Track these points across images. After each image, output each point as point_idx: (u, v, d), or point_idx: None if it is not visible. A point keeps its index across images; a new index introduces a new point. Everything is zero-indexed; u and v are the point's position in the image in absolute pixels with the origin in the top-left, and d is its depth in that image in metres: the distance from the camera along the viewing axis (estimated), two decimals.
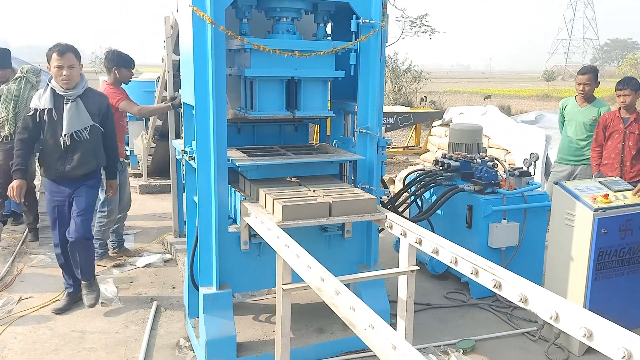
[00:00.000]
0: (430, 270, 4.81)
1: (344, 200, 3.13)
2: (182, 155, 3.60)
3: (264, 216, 3.03)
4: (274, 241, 2.84)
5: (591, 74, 5.20)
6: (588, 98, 5.26)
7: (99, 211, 5.01)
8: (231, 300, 3.36)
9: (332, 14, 3.75)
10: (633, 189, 3.78)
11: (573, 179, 5.28)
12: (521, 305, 2.22)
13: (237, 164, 3.34)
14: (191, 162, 3.43)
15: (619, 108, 4.81)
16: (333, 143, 4.18)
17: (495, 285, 2.37)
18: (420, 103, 19.51)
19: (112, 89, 4.95)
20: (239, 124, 3.96)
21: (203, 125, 3.21)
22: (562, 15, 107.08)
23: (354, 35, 3.53)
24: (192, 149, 3.38)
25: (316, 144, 4.12)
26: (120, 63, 5.01)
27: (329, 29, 4.05)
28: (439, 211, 4.59)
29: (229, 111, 3.65)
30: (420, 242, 2.91)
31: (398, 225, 2.99)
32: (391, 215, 3.10)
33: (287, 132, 4.19)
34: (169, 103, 5.23)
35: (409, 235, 2.91)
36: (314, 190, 3.30)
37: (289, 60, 3.46)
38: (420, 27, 26.81)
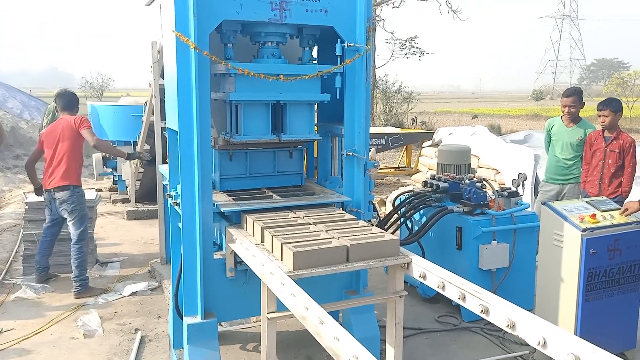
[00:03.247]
0: (422, 294, 4.75)
1: (362, 242, 2.79)
2: (168, 199, 3.58)
3: (270, 264, 2.68)
4: (258, 268, 2.79)
5: (575, 95, 5.27)
6: (574, 119, 5.32)
7: (79, 240, 4.97)
8: (217, 330, 3.28)
9: (318, 38, 3.76)
10: (620, 209, 3.78)
11: (561, 198, 5.29)
12: (509, 330, 2.19)
13: (222, 209, 3.29)
14: (176, 207, 3.39)
15: (603, 128, 4.89)
16: (324, 182, 4.13)
17: (482, 311, 2.33)
18: (411, 124, 19.63)
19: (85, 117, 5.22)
20: (231, 151, 3.76)
21: (187, 150, 3.18)
22: (549, 36, 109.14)
23: (339, 59, 3.54)
24: (177, 193, 3.34)
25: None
26: (73, 103, 5.24)
27: (315, 53, 4.07)
28: (429, 233, 4.55)
29: (219, 138, 3.62)
30: (407, 267, 2.87)
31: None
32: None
33: (281, 159, 3.96)
34: (127, 152, 5.55)
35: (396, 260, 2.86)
36: (327, 231, 2.97)
37: (274, 84, 3.46)
38: (409, 48, 27.23)
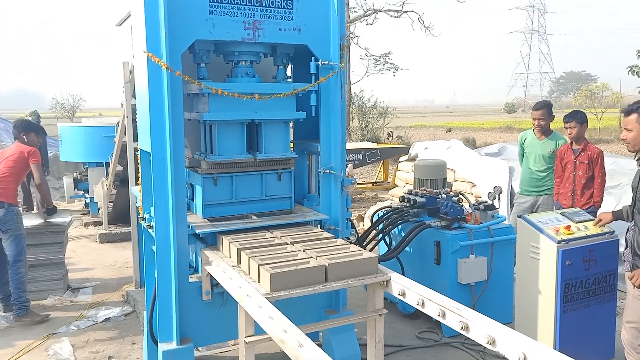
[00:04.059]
0: (401, 310, 4.73)
1: (341, 261, 2.76)
2: (142, 222, 3.49)
3: (247, 286, 2.62)
4: (235, 291, 2.73)
5: (544, 109, 5.40)
6: (545, 131, 5.43)
7: (16, 261, 4.79)
8: (193, 356, 3.19)
9: (292, 56, 3.76)
10: (593, 219, 3.83)
11: (536, 210, 5.37)
12: (489, 347, 2.17)
13: (197, 231, 3.23)
14: (150, 230, 3.31)
15: (571, 140, 5.03)
16: (301, 200, 4.09)
17: (462, 327, 2.33)
18: (387, 138, 19.81)
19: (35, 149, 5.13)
20: (215, 175, 3.52)
21: (160, 171, 3.12)
22: (519, 50, 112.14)
23: (313, 77, 3.55)
24: (150, 215, 3.27)
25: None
26: (28, 129, 5.19)
27: (289, 71, 4.07)
28: (407, 248, 4.55)
29: (203, 161, 3.48)
30: (386, 284, 2.85)
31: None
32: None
33: (269, 182, 3.73)
34: (45, 209, 5.45)
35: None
36: (304, 251, 2.93)
37: (248, 103, 3.44)
38: (384, 64, 27.62)
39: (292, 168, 3.85)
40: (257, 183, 3.69)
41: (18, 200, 5.17)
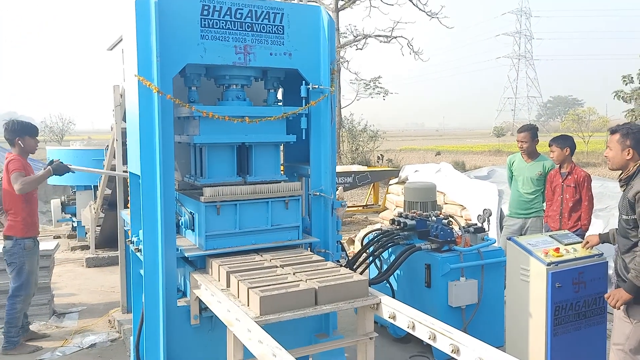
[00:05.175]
0: (392, 334, 4.68)
1: (331, 284, 2.75)
2: (130, 245, 3.46)
3: (236, 309, 2.59)
4: (224, 315, 2.70)
5: (528, 132, 5.51)
6: (531, 154, 5.52)
7: (13, 295, 4.60)
8: None
9: (282, 80, 3.81)
10: (582, 242, 3.86)
11: (524, 232, 5.40)
12: None
13: (186, 254, 3.21)
14: (138, 254, 3.27)
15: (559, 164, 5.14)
16: None
17: (453, 350, 2.31)
18: (377, 161, 19.93)
19: (15, 157, 4.58)
20: (218, 204, 3.32)
21: (149, 195, 3.10)
22: (507, 75, 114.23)
23: (304, 100, 3.58)
24: (139, 239, 3.24)
25: None
26: (23, 132, 4.65)
27: (280, 95, 4.11)
28: (398, 271, 4.53)
29: (206, 189, 3.34)
30: (376, 307, 2.84)
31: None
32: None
33: (276, 211, 3.53)
34: (49, 167, 4.63)
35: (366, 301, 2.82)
36: (294, 274, 2.90)
37: (239, 127, 3.45)
38: (373, 89, 27.99)
39: (302, 194, 3.65)
40: (262, 212, 3.48)
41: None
